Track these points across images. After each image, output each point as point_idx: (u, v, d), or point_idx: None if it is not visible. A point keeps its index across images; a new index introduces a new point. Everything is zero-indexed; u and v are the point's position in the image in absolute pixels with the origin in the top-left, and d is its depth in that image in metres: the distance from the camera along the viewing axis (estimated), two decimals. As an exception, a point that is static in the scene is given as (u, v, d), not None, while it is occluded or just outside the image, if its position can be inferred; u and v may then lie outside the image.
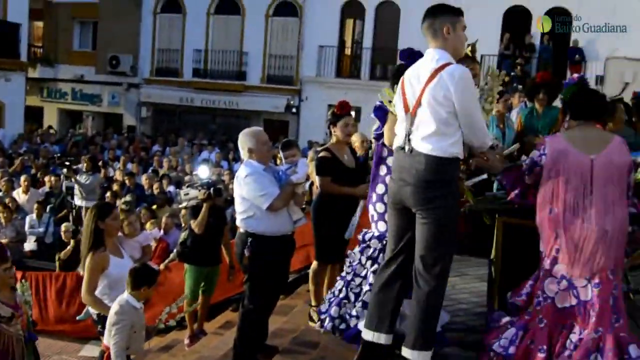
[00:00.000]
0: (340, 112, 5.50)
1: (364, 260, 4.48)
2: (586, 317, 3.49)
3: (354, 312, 4.37)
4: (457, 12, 3.74)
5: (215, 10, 24.76)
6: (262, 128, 5.37)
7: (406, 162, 3.64)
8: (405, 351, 3.70)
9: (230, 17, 24.59)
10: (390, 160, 4.24)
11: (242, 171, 4.80)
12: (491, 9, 21.40)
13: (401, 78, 3.80)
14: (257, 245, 4.75)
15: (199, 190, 6.87)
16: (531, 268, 4.09)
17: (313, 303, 5.62)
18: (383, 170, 4.37)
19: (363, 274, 4.46)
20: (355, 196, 5.27)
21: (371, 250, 4.45)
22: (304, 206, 5.58)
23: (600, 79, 20.56)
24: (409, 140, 3.62)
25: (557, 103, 6.77)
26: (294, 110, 23.74)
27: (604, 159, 3.47)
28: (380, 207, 4.40)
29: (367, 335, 3.88)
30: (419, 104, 3.58)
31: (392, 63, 22.49)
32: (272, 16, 24.22)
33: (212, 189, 6.87)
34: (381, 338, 3.83)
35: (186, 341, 7.32)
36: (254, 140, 4.87)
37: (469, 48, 6.14)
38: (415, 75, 3.65)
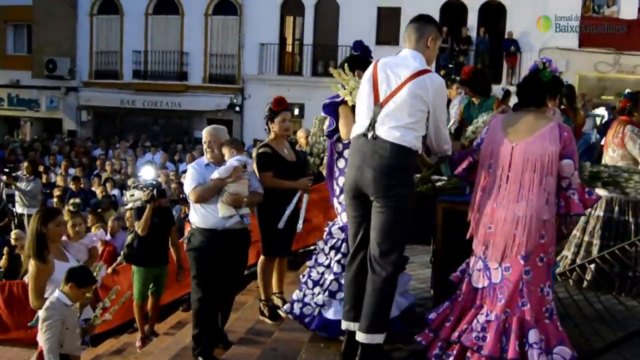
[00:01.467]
0: (277, 109, 5.59)
1: (327, 249, 4.58)
2: (494, 299, 3.62)
3: (320, 301, 4.44)
4: (441, 31, 4.09)
5: (153, 11, 24.45)
6: (224, 127, 5.57)
7: (368, 148, 3.77)
8: (359, 335, 3.80)
9: (169, 17, 24.33)
10: (347, 153, 4.33)
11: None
12: (428, 3, 21.73)
13: (372, 69, 3.91)
14: (192, 236, 5.14)
15: (143, 192, 6.86)
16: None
17: (262, 297, 5.70)
18: (342, 163, 4.47)
19: (326, 263, 4.55)
20: (297, 189, 5.39)
21: (334, 240, 4.55)
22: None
23: (535, 69, 21.16)
24: (374, 128, 3.77)
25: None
26: (237, 108, 23.69)
27: (525, 147, 3.56)
28: (343, 199, 4.46)
29: (346, 326, 4.00)
30: (392, 96, 3.75)
31: (333, 59, 22.68)
32: (212, 15, 24.07)
33: (155, 190, 6.86)
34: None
35: (138, 343, 7.30)
36: (209, 136, 5.23)
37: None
38: (390, 71, 3.81)
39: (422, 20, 3.93)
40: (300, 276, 4.72)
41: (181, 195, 9.76)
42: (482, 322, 3.61)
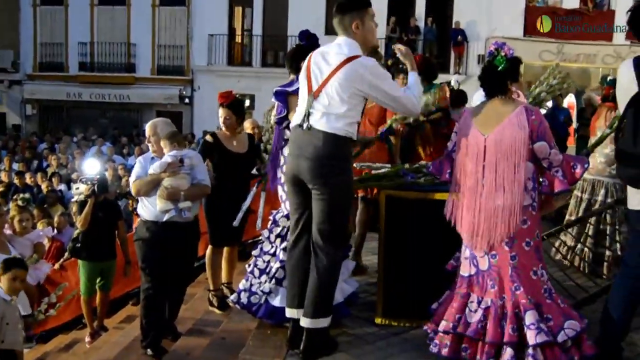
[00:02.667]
0: (219, 101, 5.64)
1: (272, 238, 4.61)
2: (484, 285, 3.69)
3: (266, 289, 4.48)
4: (365, 4, 3.90)
5: (99, 1, 24.03)
6: (167, 120, 5.57)
7: (304, 139, 3.81)
8: (304, 320, 3.85)
9: (116, 8, 23.95)
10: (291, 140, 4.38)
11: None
12: (376, -7, 21.95)
13: (307, 60, 3.94)
14: (138, 227, 5.26)
15: (86, 186, 6.80)
16: (415, 239, 4.38)
17: (211, 287, 5.71)
18: (282, 159, 4.51)
19: (272, 251, 4.58)
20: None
21: (279, 228, 4.58)
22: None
23: (481, 58, 21.56)
24: (308, 118, 3.82)
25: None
26: (186, 100, 23.49)
27: (495, 137, 3.61)
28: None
29: (291, 313, 4.04)
30: (323, 86, 3.77)
31: (283, 49, 22.68)
32: (159, 6, 23.81)
33: (96, 185, 6.77)
34: (302, 314, 3.95)
35: (87, 339, 7.22)
36: (150, 130, 5.32)
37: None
38: (322, 60, 3.82)
39: (338, 13, 3.88)
40: (246, 266, 4.74)
41: (128, 189, 9.66)
42: (474, 309, 3.69)
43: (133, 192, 5.15)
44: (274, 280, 4.46)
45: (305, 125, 3.82)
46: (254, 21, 23.43)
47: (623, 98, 3.54)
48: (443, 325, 3.74)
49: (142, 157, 5.40)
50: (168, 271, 5.09)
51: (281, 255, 4.47)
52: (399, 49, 4.06)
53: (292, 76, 4.48)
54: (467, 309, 3.72)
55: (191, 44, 23.53)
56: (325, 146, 3.75)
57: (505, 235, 3.60)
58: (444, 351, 3.71)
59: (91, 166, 7.29)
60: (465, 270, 3.80)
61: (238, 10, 23.93)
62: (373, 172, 4.81)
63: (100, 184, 6.83)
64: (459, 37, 21.77)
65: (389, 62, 11.13)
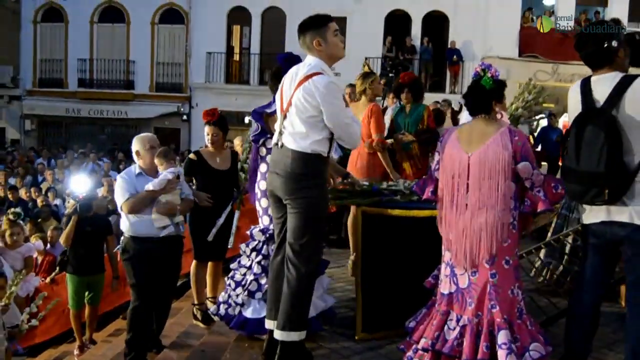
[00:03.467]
0: (204, 120, 5.76)
1: (248, 251, 4.73)
2: (463, 303, 3.74)
3: (239, 300, 4.59)
4: (324, 21, 3.94)
5: (99, 19, 24.29)
6: (153, 134, 5.55)
7: (278, 156, 3.96)
8: (276, 333, 3.92)
9: (115, 26, 24.20)
10: (269, 158, 4.50)
11: (119, 174, 5.19)
12: (373, 13, 22.21)
13: (283, 79, 4.08)
14: (127, 246, 5.14)
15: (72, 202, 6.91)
16: (392, 255, 4.49)
17: (195, 301, 5.80)
18: (264, 167, 4.62)
19: (248, 264, 4.70)
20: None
21: (255, 242, 4.69)
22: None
23: (477, 78, 21.74)
24: (281, 136, 3.94)
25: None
26: (184, 117, 23.66)
27: (479, 156, 3.68)
28: (264, 203, 4.63)
29: (269, 324, 4.12)
30: (289, 105, 3.89)
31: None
32: (158, 24, 24.05)
33: (79, 204, 6.84)
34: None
35: (75, 352, 7.28)
36: (140, 144, 5.23)
37: (365, 67, 6.51)
38: (291, 80, 3.94)
39: (300, 34, 3.96)
40: (225, 278, 4.86)
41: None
42: (453, 327, 3.74)
43: (125, 210, 5.04)
44: (246, 292, 4.57)
45: (279, 144, 3.96)
46: (251, 40, 23.66)
47: (571, 118, 3.68)
48: (422, 342, 3.78)
49: (124, 173, 5.28)
50: (159, 285, 5.17)
51: (255, 268, 4.59)
52: None
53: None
54: (445, 326, 3.77)
55: (189, 61, 23.74)
56: (294, 163, 3.87)
57: (487, 253, 3.66)
58: None
59: (78, 183, 7.35)
60: (445, 288, 3.85)
61: (236, 28, 24.17)
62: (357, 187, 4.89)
63: (83, 203, 6.88)
64: (455, 56, 21.98)
65: (383, 82, 11.26)
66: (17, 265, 6.08)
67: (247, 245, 4.74)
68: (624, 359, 3.66)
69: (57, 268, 7.83)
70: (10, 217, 7.38)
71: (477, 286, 3.70)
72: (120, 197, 5.09)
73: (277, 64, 4.76)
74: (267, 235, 4.61)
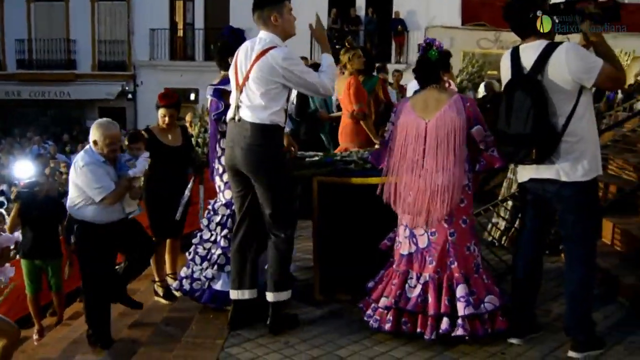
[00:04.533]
0: (160, 103, 5.75)
1: (212, 226, 4.79)
2: (423, 262, 3.97)
3: (208, 274, 4.69)
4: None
5: (35, -3, 23.63)
6: (116, 126, 5.17)
7: (236, 130, 4.09)
8: (269, 296, 4.20)
9: (53, 4, 23.61)
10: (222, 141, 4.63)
11: (80, 160, 4.85)
12: (317, -15, 22.15)
13: (236, 55, 4.15)
14: (83, 231, 4.89)
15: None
16: (348, 221, 4.64)
17: (156, 278, 5.84)
18: (219, 151, 4.69)
19: (212, 239, 4.78)
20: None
21: (219, 217, 4.76)
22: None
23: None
24: (238, 111, 4.06)
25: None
26: (129, 96, 23.29)
27: (435, 122, 3.92)
28: (226, 177, 4.66)
29: (234, 294, 4.32)
30: (246, 79, 4.02)
31: (226, 42, 22.62)
32: (99, 0, 23.48)
33: (19, 190, 6.73)
34: (245, 294, 4.32)
35: (35, 336, 7.23)
36: (100, 136, 4.89)
37: (347, 43, 6.69)
38: (245, 55, 4.06)
39: (257, 8, 4.09)
40: (187, 254, 4.92)
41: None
42: (414, 285, 3.96)
43: (108, 202, 4.79)
44: (215, 266, 4.67)
45: (236, 118, 4.08)
46: (195, 15, 23.39)
47: (503, 85, 3.94)
48: (384, 301, 3.98)
49: (91, 163, 4.82)
50: (112, 267, 5.16)
51: (222, 242, 4.69)
52: (310, 25, 4.28)
53: (223, 73, 4.67)
54: (406, 285, 3.98)
55: (132, 38, 23.34)
56: (253, 135, 4.02)
57: (446, 213, 3.90)
58: (387, 326, 3.95)
59: (22, 168, 7.21)
60: (404, 249, 4.06)
61: (179, 4, 23.83)
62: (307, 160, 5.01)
63: (21, 191, 6.74)
64: (399, 26, 22.18)
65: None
66: None
67: (210, 220, 4.80)
68: (566, 309, 3.92)
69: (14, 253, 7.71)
70: None
71: (437, 244, 3.94)
72: (96, 189, 4.77)
73: (222, 38, 4.82)
74: (232, 209, 4.69)
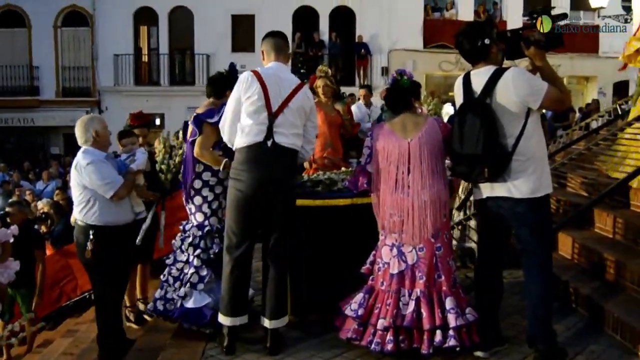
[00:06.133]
0: (137, 123, 5.83)
1: (185, 246, 4.91)
2: (413, 278, 4.09)
3: (182, 293, 4.78)
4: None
5: (-4, 24, 23.42)
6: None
7: (266, 155, 4.23)
8: (269, 323, 4.35)
9: (15, 30, 23.37)
10: (205, 175, 4.82)
11: (82, 159, 4.78)
12: (281, 9, 22.44)
13: (259, 82, 4.24)
14: (99, 236, 4.79)
15: None
16: (318, 244, 4.77)
17: (127, 304, 5.87)
18: (200, 167, 4.81)
19: (185, 259, 4.91)
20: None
21: (191, 238, 4.88)
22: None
23: (385, 70, 22.39)
24: (273, 135, 4.23)
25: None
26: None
27: (418, 141, 4.10)
28: (198, 200, 4.84)
29: (228, 321, 4.36)
30: (284, 106, 4.26)
31: (190, 67, 22.81)
32: (62, 27, 23.39)
33: None
34: (244, 319, 4.43)
35: (1, 366, 7.13)
36: (100, 124, 4.93)
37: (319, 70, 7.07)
38: (277, 84, 4.27)
39: (284, 38, 4.55)
40: (161, 276, 5.01)
41: (40, 213, 9.59)
42: (406, 302, 4.07)
43: (118, 198, 4.76)
44: (188, 284, 4.78)
45: (268, 143, 4.22)
46: (159, 40, 23.38)
47: (457, 108, 4.16)
48: (382, 323, 4.04)
49: (96, 159, 4.77)
50: (124, 272, 5.19)
51: (195, 261, 4.82)
52: None
53: (210, 99, 4.89)
54: (400, 303, 4.08)
55: (96, 64, 23.23)
56: (291, 160, 4.36)
57: (433, 228, 4.07)
58: (389, 347, 4.00)
59: None
60: (394, 268, 4.15)
61: (143, 29, 23.83)
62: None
63: None
64: (362, 50, 22.49)
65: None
66: None
67: (183, 241, 4.92)
68: (528, 321, 4.12)
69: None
70: None
71: (426, 259, 4.08)
72: (105, 185, 4.73)
73: (223, 71, 5.09)
74: (204, 231, 4.85)
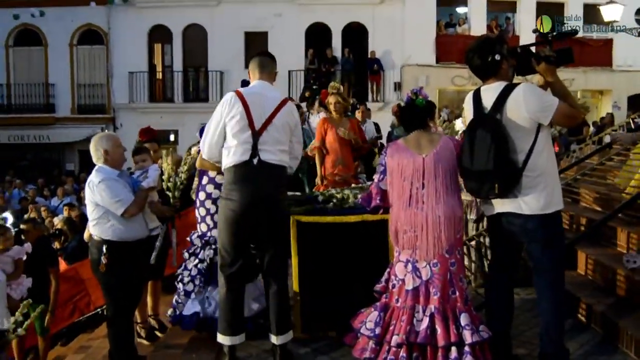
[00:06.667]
0: (146, 138, 5.88)
1: (186, 256, 5.09)
2: (427, 294, 4.05)
3: (180, 299, 5.02)
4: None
5: (14, 43, 23.75)
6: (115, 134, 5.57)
7: (252, 172, 4.25)
8: (280, 339, 4.38)
9: (32, 49, 23.70)
10: (211, 172, 4.89)
11: (95, 177, 4.85)
12: (294, 27, 22.60)
13: (241, 101, 4.30)
14: (113, 252, 4.82)
15: None
16: (328, 261, 4.77)
17: (138, 320, 5.88)
18: (205, 179, 4.93)
19: (189, 267, 5.05)
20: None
21: (194, 247, 5.05)
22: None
23: (397, 85, 22.43)
24: (257, 153, 4.25)
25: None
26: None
27: (433, 156, 4.08)
28: (202, 212, 5.01)
29: (228, 341, 4.39)
30: (268, 124, 4.30)
31: (204, 84, 22.98)
32: (77, 45, 23.69)
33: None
34: (242, 338, 4.47)
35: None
36: (110, 142, 4.94)
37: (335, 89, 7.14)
38: (260, 101, 4.33)
39: (270, 58, 4.59)
40: (176, 283, 5.17)
41: (53, 230, 9.65)
42: (420, 318, 4.02)
43: (129, 214, 4.78)
44: (183, 292, 5.00)
45: (254, 160, 4.25)
46: (174, 57, 23.59)
47: (467, 124, 4.15)
48: (395, 339, 4.00)
49: (107, 178, 4.82)
50: (137, 287, 5.21)
51: (193, 270, 5.00)
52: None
53: None
54: (414, 319, 4.05)
55: (111, 82, 23.47)
56: (277, 177, 4.35)
57: (447, 243, 4.02)
58: None
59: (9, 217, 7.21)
60: (409, 284, 4.11)
61: (157, 47, 24.05)
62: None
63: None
64: (375, 66, 22.55)
65: (307, 94, 11.56)
66: (7, 268, 5.96)
67: (188, 251, 5.11)
68: (540, 338, 4.07)
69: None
70: (1, 222, 7.23)
71: (440, 275, 4.03)
72: (116, 203, 4.77)
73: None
74: (204, 240, 5.00)
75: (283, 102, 4.39)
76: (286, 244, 4.59)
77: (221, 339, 4.40)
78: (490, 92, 3.94)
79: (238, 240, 4.36)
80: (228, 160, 4.32)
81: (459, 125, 10.01)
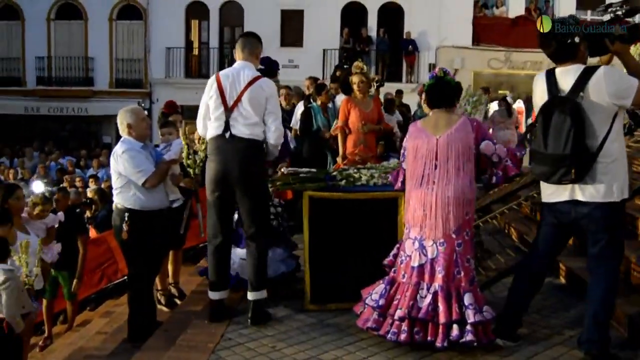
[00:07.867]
0: (171, 110, 6.06)
1: None
2: (432, 272, 4.16)
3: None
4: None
5: (55, 16, 24.21)
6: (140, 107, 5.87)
7: (227, 146, 4.69)
8: (251, 295, 4.81)
9: (72, 23, 24.16)
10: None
11: (119, 148, 5.10)
12: (330, 6, 22.58)
13: (217, 82, 4.75)
14: (134, 219, 5.06)
15: None
16: (336, 234, 4.92)
17: (159, 287, 6.11)
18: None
19: None
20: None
21: None
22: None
23: (432, 67, 22.27)
24: (229, 127, 4.68)
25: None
26: (145, 112, 23.68)
27: (447, 138, 4.16)
28: None
29: (216, 295, 4.91)
30: (238, 101, 4.69)
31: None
32: (116, 20, 24.06)
33: None
34: (225, 294, 4.97)
35: (40, 343, 7.37)
36: (134, 116, 5.16)
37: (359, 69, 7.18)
38: (233, 80, 4.73)
39: (254, 38, 5.01)
40: None
41: (84, 199, 9.99)
42: (424, 295, 4.14)
43: (149, 185, 5.00)
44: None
45: (226, 135, 4.67)
46: (210, 34, 23.82)
47: (538, 106, 4.01)
48: (398, 313, 4.14)
49: (130, 149, 5.05)
50: (157, 255, 5.46)
51: None
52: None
53: None
54: (418, 296, 4.16)
55: (149, 57, 23.82)
56: (249, 149, 4.68)
57: (455, 224, 4.13)
58: (402, 337, 4.10)
59: (37, 186, 7.49)
60: (415, 261, 4.23)
61: (195, 23, 24.28)
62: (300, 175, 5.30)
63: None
64: (410, 47, 22.43)
65: (338, 73, 11.65)
66: (40, 233, 6.31)
67: None
68: (585, 323, 3.97)
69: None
70: (47, 194, 7.57)
71: (446, 254, 4.14)
72: (138, 173, 5.00)
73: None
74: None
75: (254, 80, 4.72)
76: (263, 209, 4.90)
77: (210, 294, 4.93)
78: (568, 75, 3.85)
79: (217, 210, 4.83)
80: (208, 133, 4.84)
81: (495, 107, 9.92)
